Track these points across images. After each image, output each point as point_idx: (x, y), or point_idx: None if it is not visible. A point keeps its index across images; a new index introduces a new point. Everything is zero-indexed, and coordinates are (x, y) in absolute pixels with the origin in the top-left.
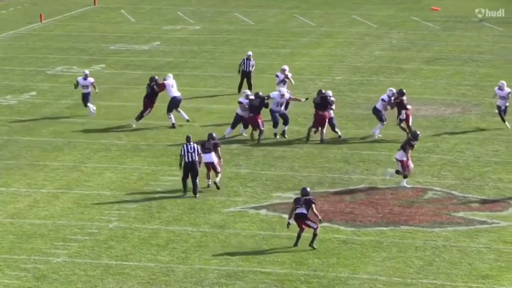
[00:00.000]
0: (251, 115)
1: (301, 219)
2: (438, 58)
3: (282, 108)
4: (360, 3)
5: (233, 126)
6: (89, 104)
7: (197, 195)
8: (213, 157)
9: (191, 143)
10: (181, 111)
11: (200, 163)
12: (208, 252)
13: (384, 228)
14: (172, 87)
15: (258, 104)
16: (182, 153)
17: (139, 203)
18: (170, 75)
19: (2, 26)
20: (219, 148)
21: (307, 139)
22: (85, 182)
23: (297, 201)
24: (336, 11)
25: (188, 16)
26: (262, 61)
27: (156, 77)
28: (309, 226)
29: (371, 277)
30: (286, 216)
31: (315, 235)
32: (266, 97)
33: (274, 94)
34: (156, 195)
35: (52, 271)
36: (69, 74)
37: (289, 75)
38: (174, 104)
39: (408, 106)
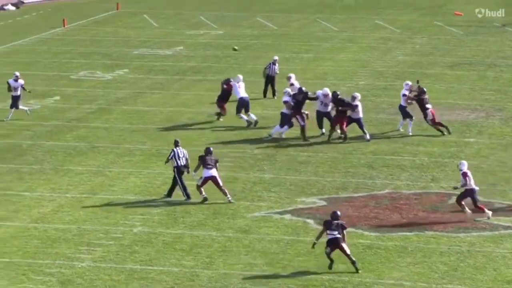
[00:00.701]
0: (293, 111)
1: (336, 244)
2: (461, 63)
3: (329, 108)
4: (383, 8)
5: (285, 124)
6: (21, 108)
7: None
8: (215, 172)
9: (181, 148)
10: (251, 115)
11: (188, 167)
12: (233, 257)
13: (409, 233)
14: (239, 88)
15: (301, 99)
16: (171, 157)
17: (163, 207)
18: (240, 76)
19: (25, 31)
20: (217, 164)
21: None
22: (109, 186)
23: (328, 225)
24: (359, 16)
25: (211, 20)
26: (285, 66)
27: (232, 79)
28: (345, 253)
29: (396, 282)
30: (310, 221)
31: (354, 261)
32: (312, 94)
33: (318, 92)
34: (180, 200)
35: (76, 276)
36: (93, 79)
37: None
38: (242, 104)
39: (428, 106)
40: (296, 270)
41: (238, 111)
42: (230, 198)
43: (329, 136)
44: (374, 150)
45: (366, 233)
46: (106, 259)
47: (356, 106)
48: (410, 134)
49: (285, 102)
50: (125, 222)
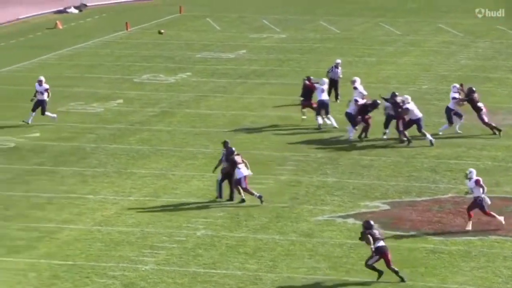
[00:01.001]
0: (357, 112)
1: (383, 252)
2: None
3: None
4: (445, 12)
5: (352, 124)
6: (47, 113)
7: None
8: (247, 171)
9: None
10: (331, 118)
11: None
12: (296, 260)
13: (473, 238)
14: (322, 91)
15: (369, 106)
16: (224, 159)
17: (226, 211)
18: (325, 79)
19: (88, 34)
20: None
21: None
22: (172, 189)
23: (373, 234)
24: (421, 19)
25: (273, 24)
26: (348, 70)
27: (311, 77)
28: (389, 261)
29: (460, 286)
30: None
31: (397, 271)
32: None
33: (386, 104)
34: (243, 203)
35: (140, 279)
36: (156, 82)
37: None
38: (322, 107)
39: (480, 104)
40: (359, 274)
41: (318, 113)
42: (244, 197)
43: (400, 137)
44: (438, 154)
45: (429, 237)
46: (169, 262)
47: (407, 109)
48: (441, 133)
49: (356, 101)
50: (188, 225)
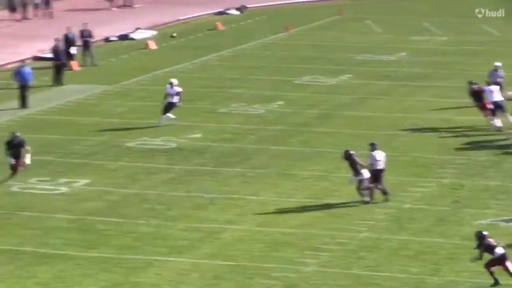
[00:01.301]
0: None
1: (505, 261)
2: None
3: None
4: None
5: None
6: (168, 115)
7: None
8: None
9: (379, 151)
10: (508, 116)
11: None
12: (460, 264)
13: None
14: (492, 92)
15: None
16: (371, 161)
17: (388, 213)
18: (495, 87)
19: (249, 36)
20: None
21: None
22: (334, 191)
23: (488, 241)
24: None
25: (434, 27)
26: (510, 73)
27: (473, 81)
28: (508, 269)
29: None
30: None
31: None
32: None
33: None
34: (405, 206)
35: (302, 280)
36: (317, 84)
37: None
38: (496, 108)
39: None
40: None
41: (494, 114)
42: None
43: None
44: None
45: None
46: (332, 264)
47: None
48: None
49: None
50: (350, 227)
